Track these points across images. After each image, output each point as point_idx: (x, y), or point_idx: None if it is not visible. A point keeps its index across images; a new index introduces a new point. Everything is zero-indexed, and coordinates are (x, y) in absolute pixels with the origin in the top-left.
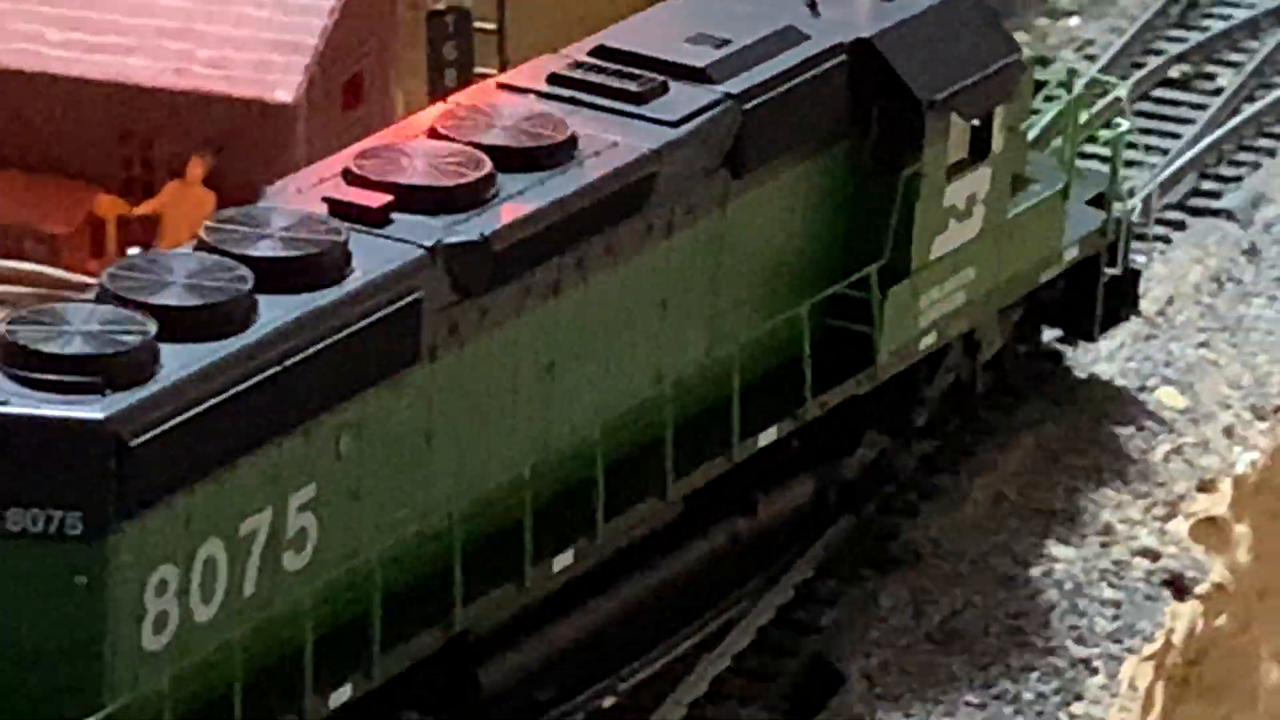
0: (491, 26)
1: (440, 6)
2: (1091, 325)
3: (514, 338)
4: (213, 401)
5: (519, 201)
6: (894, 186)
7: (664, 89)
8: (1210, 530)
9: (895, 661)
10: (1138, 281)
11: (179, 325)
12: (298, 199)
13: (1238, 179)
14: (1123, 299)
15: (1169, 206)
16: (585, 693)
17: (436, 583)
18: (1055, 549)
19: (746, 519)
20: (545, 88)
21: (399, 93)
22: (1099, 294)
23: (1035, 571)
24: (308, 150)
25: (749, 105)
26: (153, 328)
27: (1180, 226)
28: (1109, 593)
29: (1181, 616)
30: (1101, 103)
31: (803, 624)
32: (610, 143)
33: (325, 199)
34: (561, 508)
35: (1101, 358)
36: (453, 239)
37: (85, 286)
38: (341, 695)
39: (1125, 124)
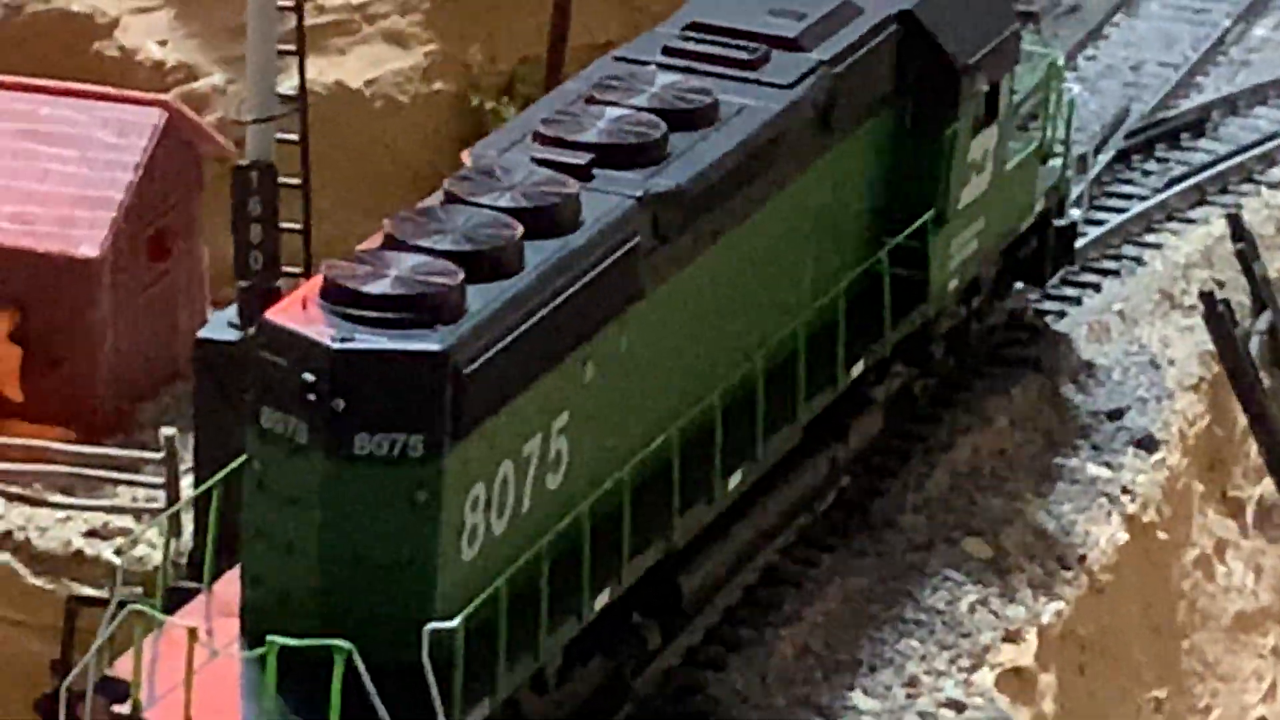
0: (296, 181)
1: (244, 162)
2: (1043, 271)
3: (694, 277)
4: (511, 335)
5: (694, 156)
6: (939, 143)
7: (768, 57)
8: (1016, 681)
9: None
10: (1075, 233)
11: (471, 268)
12: (502, 160)
13: (1042, 327)
14: (1065, 248)
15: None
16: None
17: (656, 500)
18: (860, 700)
19: (842, 444)
20: (661, 58)
21: (205, 246)
22: (1049, 243)
23: None
24: (114, 305)
25: (837, 70)
26: (461, 271)
27: (988, 375)
28: None
29: None
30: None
31: None
32: (739, 105)
33: (532, 158)
34: (733, 431)
35: (908, 508)
36: (656, 189)
37: None
38: (602, 599)
39: (1075, 88)
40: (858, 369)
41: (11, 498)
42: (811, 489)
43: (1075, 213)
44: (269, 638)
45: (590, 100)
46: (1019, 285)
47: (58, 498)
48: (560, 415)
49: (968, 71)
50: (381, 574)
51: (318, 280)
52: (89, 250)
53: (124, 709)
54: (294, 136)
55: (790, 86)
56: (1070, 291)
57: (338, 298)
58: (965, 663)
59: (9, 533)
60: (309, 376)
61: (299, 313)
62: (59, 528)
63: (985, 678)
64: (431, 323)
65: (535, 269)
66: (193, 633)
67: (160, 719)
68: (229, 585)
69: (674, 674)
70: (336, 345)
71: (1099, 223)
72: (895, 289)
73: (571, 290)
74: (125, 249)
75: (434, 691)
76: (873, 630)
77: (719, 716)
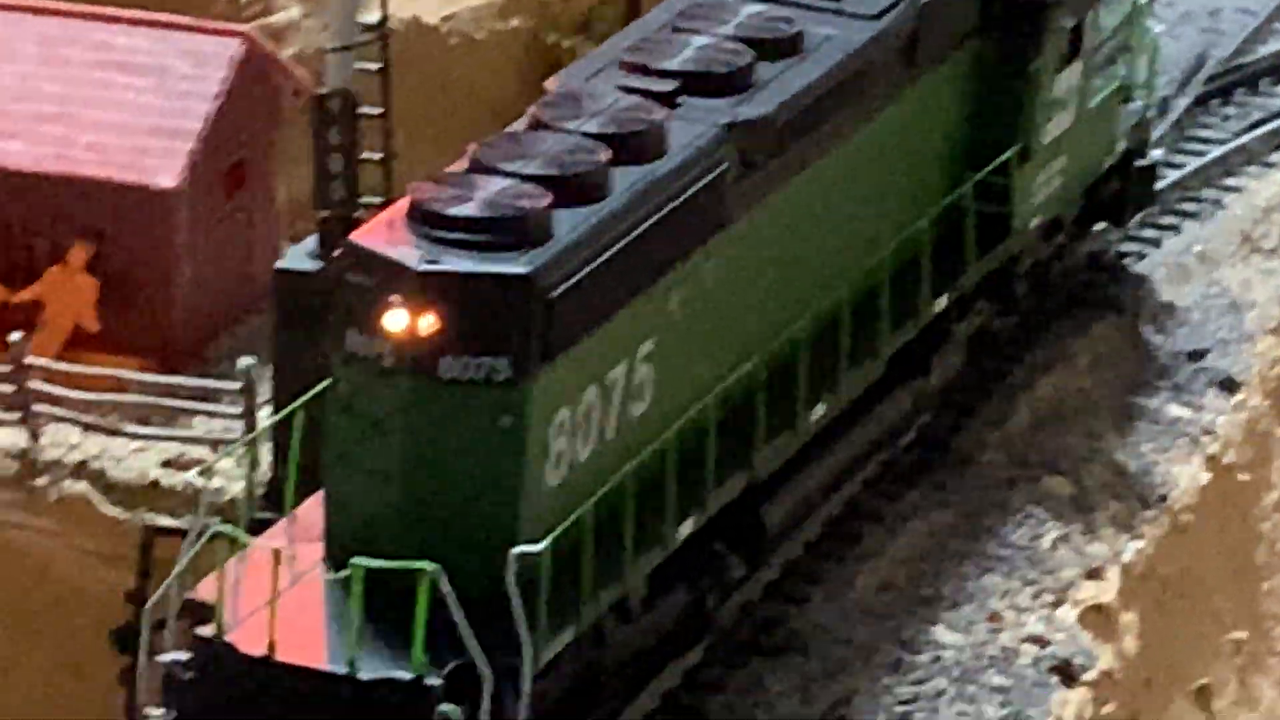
0: (377, 111)
1: (325, 91)
2: (1123, 212)
3: (780, 207)
4: (598, 261)
5: (780, 84)
6: (1023, 79)
7: None
8: (1098, 618)
9: None
10: (1155, 174)
11: (558, 192)
12: (588, 87)
13: (1123, 268)
14: (1145, 188)
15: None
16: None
17: (739, 430)
18: (943, 635)
19: (924, 379)
20: None
21: (282, 179)
22: (1130, 184)
23: (923, 658)
24: (190, 236)
25: (922, 3)
26: (548, 195)
27: (1069, 314)
28: (997, 679)
29: (1070, 704)
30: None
31: (689, 710)
32: (825, 35)
33: (619, 86)
34: (817, 363)
35: (989, 445)
36: (743, 117)
37: None
38: (686, 528)
39: (1159, 26)
40: (941, 304)
41: (88, 427)
42: (893, 424)
43: (1157, 153)
44: (354, 560)
45: (675, 29)
46: (1100, 226)
47: (134, 428)
48: (645, 343)
49: (1052, 7)
50: (466, 498)
51: (404, 203)
52: (166, 181)
53: (207, 631)
54: (375, 66)
55: (876, 18)
56: (1150, 233)
57: (424, 220)
58: (1047, 599)
59: (85, 462)
60: (394, 298)
61: (385, 235)
62: (135, 458)
63: (1067, 614)
64: (518, 246)
65: (622, 195)
66: (278, 553)
67: (244, 641)
68: (311, 511)
69: (756, 607)
70: (422, 267)
71: (1178, 166)
72: (979, 225)
73: (658, 217)
74: (202, 181)
75: (519, 616)
76: (955, 565)
77: (801, 649)
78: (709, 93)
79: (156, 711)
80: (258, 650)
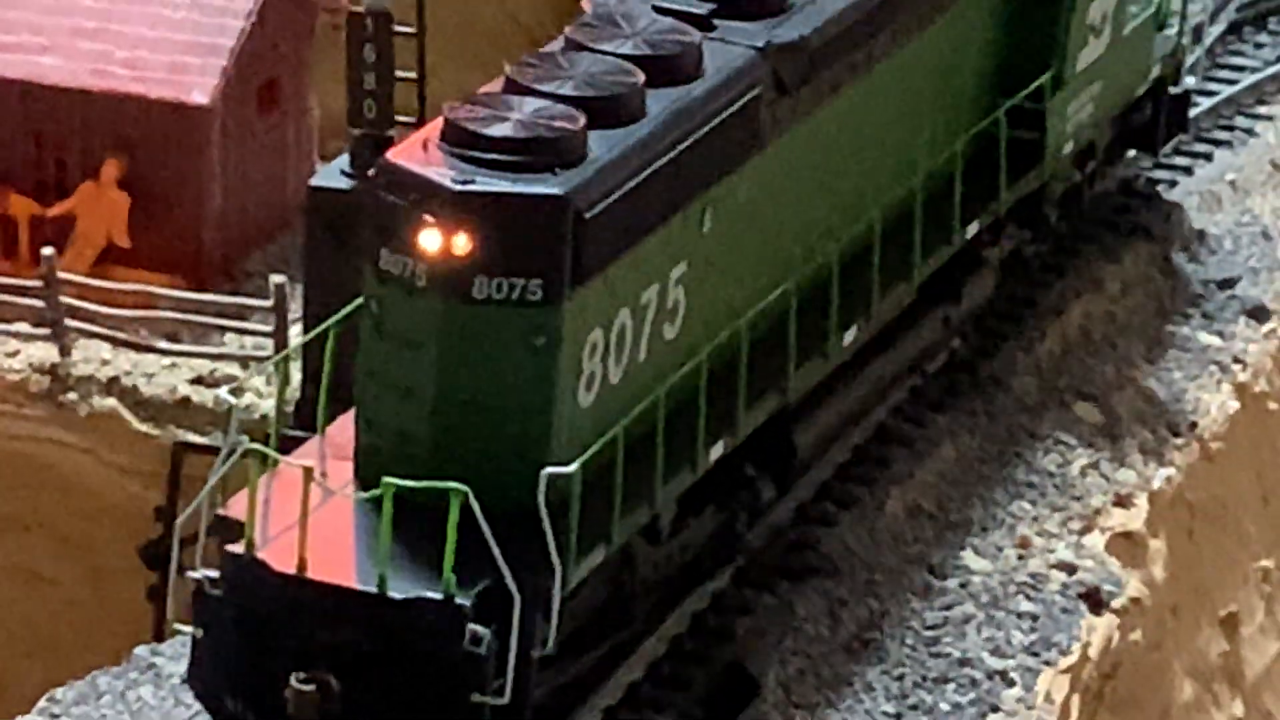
0: (411, 29)
1: (360, 9)
2: (1155, 139)
3: (813, 131)
4: (633, 183)
5: (815, 8)
6: (1058, 4)
7: None
8: (1126, 545)
9: (810, 670)
10: (1188, 102)
11: (593, 114)
12: (624, 7)
13: (1154, 195)
14: (1178, 116)
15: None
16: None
17: (771, 354)
18: (971, 561)
19: (954, 305)
20: None
21: (316, 97)
22: (1163, 111)
23: (951, 583)
24: (223, 154)
25: None
26: (583, 116)
27: (1100, 240)
28: (1026, 605)
29: (1098, 630)
30: None
31: (718, 632)
32: None
33: (654, 7)
34: (849, 287)
35: (1019, 370)
36: (778, 40)
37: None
38: (717, 450)
39: None
40: (973, 229)
41: (119, 343)
42: (924, 349)
43: (1190, 80)
44: (384, 479)
45: None
46: (1132, 153)
47: (165, 344)
48: (678, 265)
49: None
50: (498, 418)
51: (438, 123)
52: (199, 97)
53: (238, 548)
54: None
55: None
56: (1182, 161)
57: (458, 140)
58: (1076, 525)
59: (116, 378)
60: (428, 217)
61: (419, 154)
62: (166, 374)
63: (1096, 541)
64: (553, 167)
65: (657, 117)
66: (308, 471)
67: (274, 558)
68: (342, 430)
69: (785, 529)
70: (457, 187)
71: (1211, 93)
72: (1011, 150)
73: (692, 139)
74: (235, 97)
75: (549, 536)
76: (984, 491)
77: (829, 572)
78: (744, 16)
79: (186, 627)
80: (288, 568)
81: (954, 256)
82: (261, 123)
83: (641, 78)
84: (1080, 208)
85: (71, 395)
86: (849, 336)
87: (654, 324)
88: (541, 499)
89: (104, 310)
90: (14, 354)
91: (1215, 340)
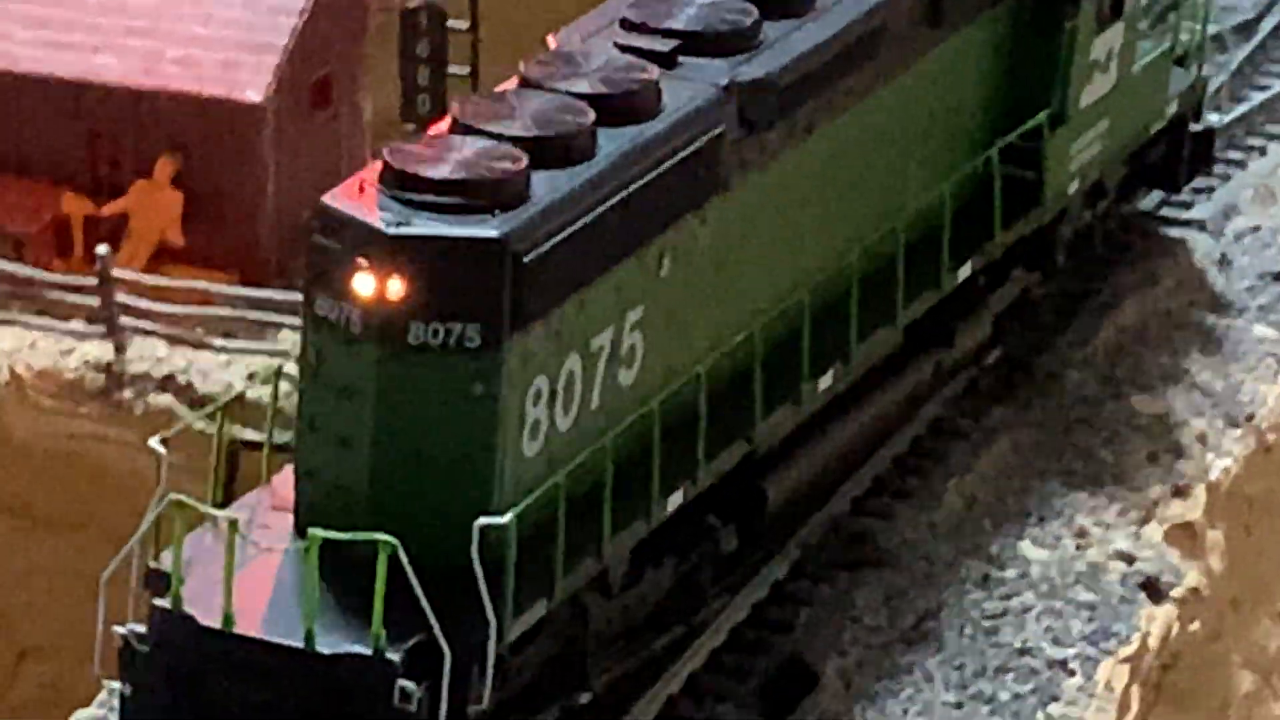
0: (464, 25)
1: (413, 4)
2: (1177, 178)
3: (784, 171)
4: (578, 224)
5: (786, 45)
6: (1058, 40)
7: None
8: (1184, 536)
9: (870, 661)
10: (1213, 138)
11: (538, 154)
12: (584, 45)
13: (1210, 189)
14: (1201, 154)
15: (1144, 214)
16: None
17: (735, 400)
18: (1029, 550)
19: (946, 350)
20: None
21: (368, 93)
22: (1185, 148)
23: (1010, 573)
24: (276, 151)
25: None
26: (525, 156)
27: (1152, 236)
28: (1085, 595)
29: (1157, 620)
30: None
31: (777, 623)
32: None
33: (616, 44)
34: (823, 331)
35: (1074, 363)
36: (743, 78)
37: (50, 285)
38: (675, 500)
39: None
40: (964, 272)
41: (174, 340)
42: (914, 393)
43: (1214, 118)
44: (311, 531)
45: None
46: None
47: (220, 341)
48: (634, 309)
49: None
50: (437, 469)
51: (377, 164)
52: (253, 95)
53: (164, 602)
54: None
55: None
56: (1236, 155)
57: (396, 181)
58: (1134, 516)
59: (171, 375)
60: (362, 261)
61: (355, 196)
62: (221, 371)
63: (1154, 531)
64: (491, 209)
65: (607, 157)
66: (233, 524)
67: (201, 612)
68: (286, 480)
69: (842, 522)
70: (390, 230)
71: (1264, 88)
72: (1008, 191)
73: (646, 179)
74: (289, 95)
75: (483, 589)
76: (1041, 482)
77: (888, 564)
78: (710, 52)
79: (114, 684)
80: (214, 622)
81: (953, 300)
82: (314, 119)
83: (592, 116)
84: (1092, 247)
85: (127, 393)
86: (824, 382)
87: (607, 370)
88: (475, 551)
89: (159, 308)
90: (69, 352)
91: (1270, 332)
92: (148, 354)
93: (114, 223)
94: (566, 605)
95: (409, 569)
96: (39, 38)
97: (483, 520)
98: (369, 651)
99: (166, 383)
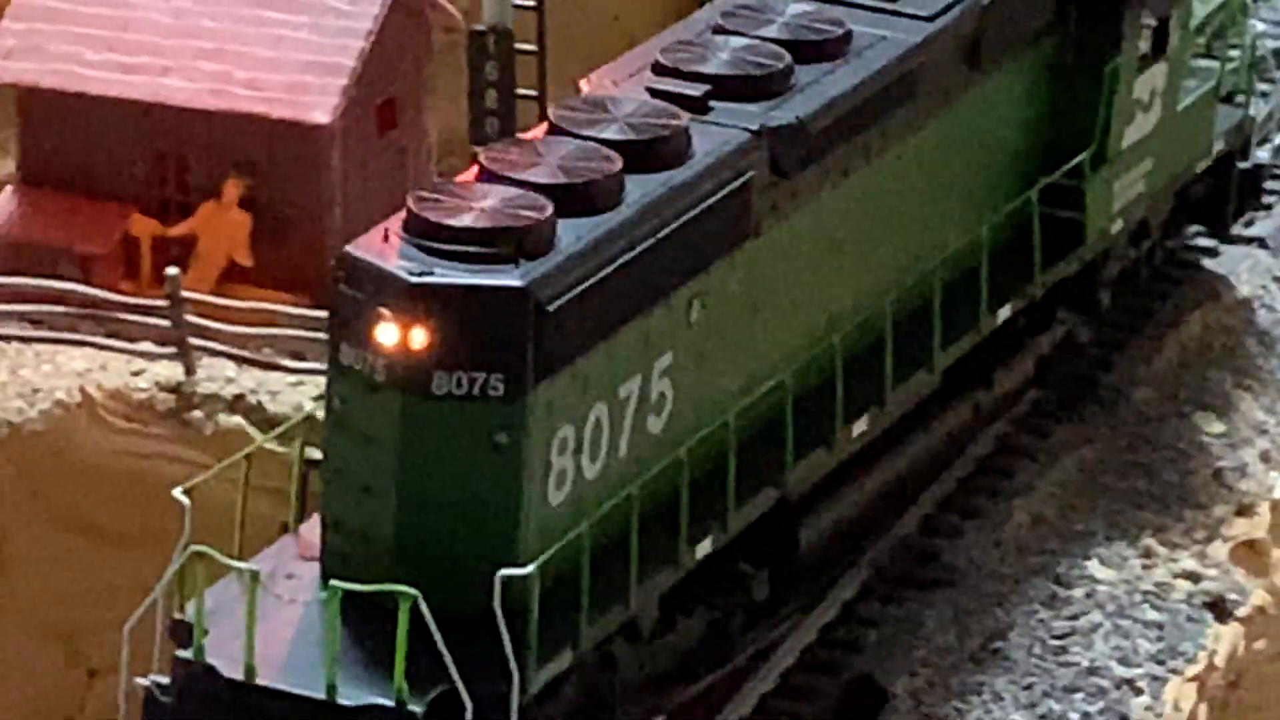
0: (531, 47)
1: (480, 26)
2: (1226, 217)
3: (817, 215)
4: (604, 272)
5: (818, 89)
6: (1098, 79)
7: None
8: (1249, 554)
9: (940, 681)
10: (1263, 175)
11: (564, 202)
12: (615, 90)
13: (1268, 207)
14: (1250, 191)
15: (1201, 233)
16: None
17: (767, 446)
18: (1096, 569)
19: (985, 391)
20: None
21: (434, 116)
22: (1233, 187)
23: (1077, 592)
24: (343, 173)
25: (987, 1)
26: (550, 204)
27: (1213, 254)
28: (1151, 614)
29: (1223, 638)
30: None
31: (847, 643)
32: (878, 36)
33: (648, 89)
34: (858, 376)
35: (1139, 382)
36: (774, 123)
37: (119, 306)
38: (704, 548)
39: (1260, 25)
40: (1004, 313)
41: (244, 361)
42: (952, 436)
43: (1263, 154)
44: (331, 582)
45: (717, 29)
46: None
47: (289, 362)
48: (663, 356)
49: (1132, 4)
50: (462, 518)
51: (401, 213)
52: (320, 116)
53: (187, 654)
54: (530, 2)
55: (931, 19)
56: None
57: (420, 230)
58: (1199, 534)
59: (241, 396)
60: (385, 311)
61: (379, 245)
62: (290, 391)
63: (1219, 550)
64: (515, 258)
65: (634, 204)
66: (254, 575)
67: (223, 664)
68: (312, 529)
69: (910, 541)
70: (413, 279)
71: None
72: (1049, 231)
73: (674, 226)
74: (355, 117)
75: (505, 640)
76: (1106, 501)
77: (955, 583)
78: (741, 97)
79: None
80: (236, 673)
81: (995, 343)
82: (380, 141)
83: (619, 163)
84: (1137, 287)
85: (197, 413)
86: (859, 427)
87: (636, 418)
88: (497, 601)
89: (228, 329)
90: (139, 373)
91: None
92: (217, 375)
93: (182, 244)
94: (595, 654)
95: (430, 620)
96: (108, 60)
97: (504, 571)
98: (391, 703)
99: (236, 403)
